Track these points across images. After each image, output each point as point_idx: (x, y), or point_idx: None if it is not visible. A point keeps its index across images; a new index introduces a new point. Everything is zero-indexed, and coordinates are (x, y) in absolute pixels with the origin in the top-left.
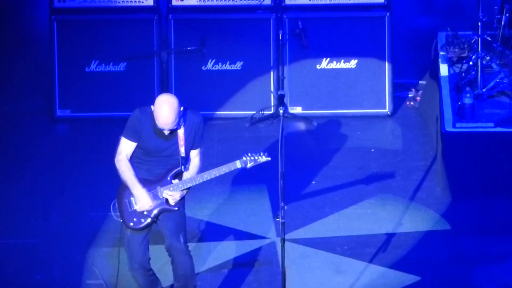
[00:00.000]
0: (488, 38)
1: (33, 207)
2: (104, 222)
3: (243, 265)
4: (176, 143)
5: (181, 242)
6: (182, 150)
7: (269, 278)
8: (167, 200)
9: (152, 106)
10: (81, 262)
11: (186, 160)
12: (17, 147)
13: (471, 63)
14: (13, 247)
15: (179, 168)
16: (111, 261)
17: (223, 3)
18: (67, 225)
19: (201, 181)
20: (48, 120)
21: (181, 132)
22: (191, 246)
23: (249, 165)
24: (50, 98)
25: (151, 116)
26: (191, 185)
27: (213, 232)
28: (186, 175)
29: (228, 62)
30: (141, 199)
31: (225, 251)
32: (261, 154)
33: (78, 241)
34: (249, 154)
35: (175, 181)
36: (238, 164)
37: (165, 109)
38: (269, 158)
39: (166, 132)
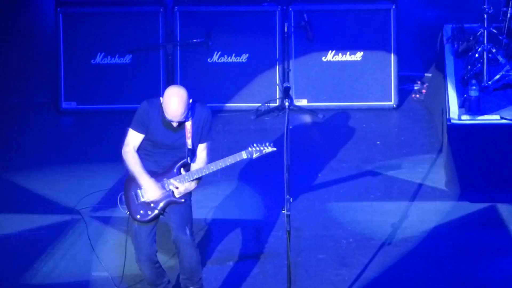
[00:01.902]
0: (494, 31)
1: (38, 199)
2: (110, 214)
3: (248, 257)
4: (184, 135)
5: (188, 235)
6: (189, 142)
7: (274, 270)
8: (173, 193)
9: (161, 98)
10: (87, 254)
11: (193, 152)
12: (22, 139)
13: (476, 55)
14: (19, 239)
15: (185, 159)
16: (117, 254)
17: None
18: (73, 217)
19: (207, 172)
20: (53, 112)
21: (188, 125)
22: (198, 238)
23: (254, 155)
24: (55, 90)
25: (159, 108)
26: (197, 177)
27: (219, 225)
28: (193, 167)
29: (233, 55)
30: (149, 190)
31: (230, 244)
32: (267, 145)
33: (84, 233)
34: (254, 145)
35: (182, 173)
36: (244, 155)
37: (175, 101)
38: (275, 149)
39: (175, 124)
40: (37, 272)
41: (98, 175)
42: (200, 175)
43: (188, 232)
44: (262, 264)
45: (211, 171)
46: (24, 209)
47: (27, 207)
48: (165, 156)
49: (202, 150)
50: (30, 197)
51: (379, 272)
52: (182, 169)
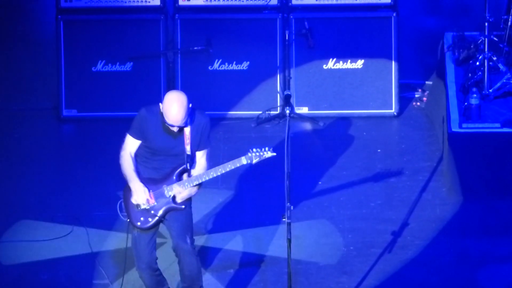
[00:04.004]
0: (495, 39)
1: (38, 206)
2: (110, 222)
3: (249, 265)
4: (183, 141)
5: (188, 243)
6: (187, 148)
7: (275, 278)
8: (173, 199)
9: (160, 104)
10: (87, 262)
11: (192, 159)
12: (23, 147)
13: (477, 63)
14: (19, 246)
15: (185, 166)
16: (117, 261)
17: (229, 3)
18: (73, 224)
19: (207, 178)
20: (54, 119)
21: (187, 131)
22: (198, 246)
23: (254, 160)
24: (56, 97)
25: (158, 114)
26: (197, 183)
27: (220, 233)
28: (192, 174)
29: (234, 62)
30: (137, 192)
31: (231, 251)
32: (266, 149)
33: (84, 241)
34: (254, 150)
35: (182, 179)
36: (243, 160)
37: (175, 106)
38: (275, 153)
39: (175, 129)
40: (38, 280)
41: (98, 183)
42: (200, 181)
43: (188, 240)
44: (263, 271)
45: (211, 177)
46: (24, 216)
47: (28, 214)
48: (164, 163)
49: (201, 157)
50: (30, 204)
51: (379, 280)
52: (181, 176)
